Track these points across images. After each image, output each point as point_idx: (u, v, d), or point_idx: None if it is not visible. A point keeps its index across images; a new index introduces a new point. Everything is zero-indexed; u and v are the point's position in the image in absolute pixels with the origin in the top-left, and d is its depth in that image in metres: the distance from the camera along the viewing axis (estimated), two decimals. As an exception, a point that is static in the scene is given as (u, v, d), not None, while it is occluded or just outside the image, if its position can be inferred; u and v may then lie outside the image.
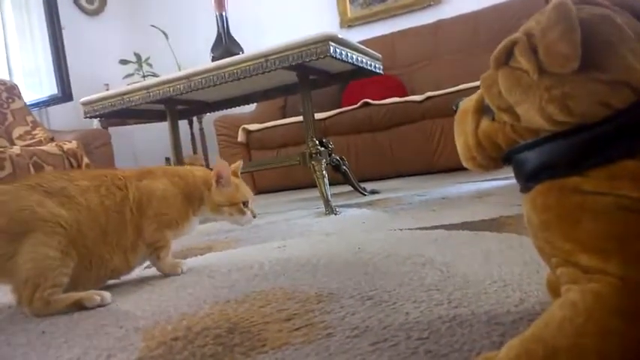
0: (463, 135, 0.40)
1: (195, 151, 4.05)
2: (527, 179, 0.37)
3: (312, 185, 2.27)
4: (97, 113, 1.95)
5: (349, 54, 1.63)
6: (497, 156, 0.39)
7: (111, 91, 1.91)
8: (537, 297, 0.58)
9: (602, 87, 0.31)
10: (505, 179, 1.91)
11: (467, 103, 0.42)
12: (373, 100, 2.82)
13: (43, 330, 0.72)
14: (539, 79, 0.33)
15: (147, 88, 1.81)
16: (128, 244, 0.95)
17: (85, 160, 2.64)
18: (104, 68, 3.95)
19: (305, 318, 0.62)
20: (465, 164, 0.42)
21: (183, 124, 3.77)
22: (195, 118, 3.99)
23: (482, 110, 0.39)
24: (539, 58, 0.33)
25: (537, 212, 0.36)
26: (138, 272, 1.09)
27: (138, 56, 3.82)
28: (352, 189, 2.20)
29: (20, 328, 0.75)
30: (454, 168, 2.66)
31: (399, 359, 0.47)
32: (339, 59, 1.57)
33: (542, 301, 0.56)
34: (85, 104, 1.96)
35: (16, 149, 2.51)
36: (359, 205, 1.77)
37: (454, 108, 0.45)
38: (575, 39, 0.31)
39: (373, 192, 2.15)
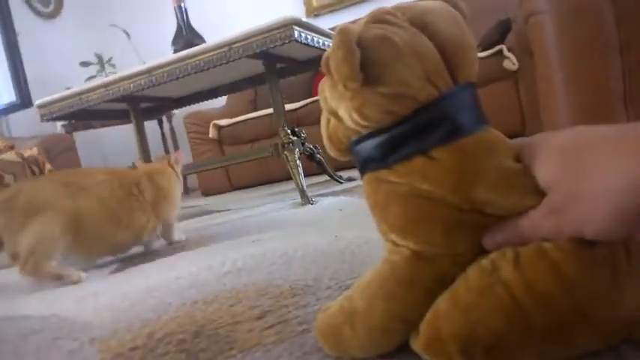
0: (322, 129, 0.45)
1: (167, 151, 3.93)
2: (360, 169, 0.42)
3: (288, 178, 2.21)
4: (55, 115, 1.85)
5: (315, 38, 1.57)
6: (344, 148, 0.43)
7: (67, 92, 1.81)
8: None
9: (385, 99, 0.36)
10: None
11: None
12: (344, 87, 2.76)
13: (-10, 349, 0.65)
14: (344, 90, 0.37)
15: (105, 85, 1.72)
16: (138, 224, 1.19)
17: (48, 166, 2.52)
18: (65, 72, 3.79)
19: (278, 314, 0.56)
20: (329, 152, 0.47)
21: (152, 125, 3.67)
22: (164, 118, 3.88)
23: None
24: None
25: (366, 197, 0.42)
26: (102, 276, 1.02)
27: (99, 57, 3.69)
28: (328, 178, 2.15)
29: (-35, 350, 0.68)
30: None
31: (381, 352, 0.42)
32: (304, 44, 1.51)
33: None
34: (41, 107, 1.85)
35: (-27, 160, 2.38)
36: (335, 194, 1.72)
37: None
38: (353, 61, 0.35)
39: (350, 179, 2.11)
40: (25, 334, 0.68)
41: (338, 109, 0.40)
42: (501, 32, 2.43)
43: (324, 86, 0.41)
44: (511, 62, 2.34)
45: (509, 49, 2.36)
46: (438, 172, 0.36)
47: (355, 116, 0.38)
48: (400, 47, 0.36)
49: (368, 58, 0.36)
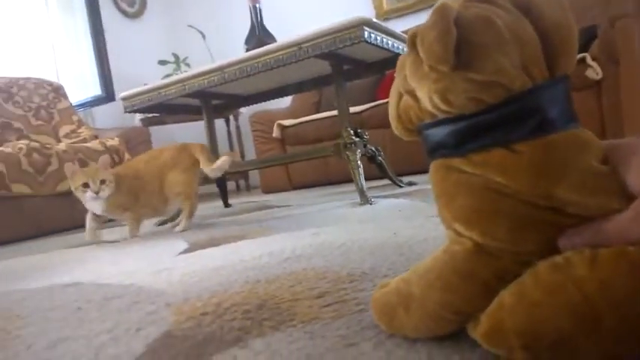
0: (390, 107, 0.44)
1: (232, 148, 4.09)
2: (428, 154, 0.41)
3: (348, 180, 2.24)
4: (136, 108, 1.99)
5: (384, 39, 1.60)
6: (412, 129, 0.42)
7: (149, 86, 1.95)
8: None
9: (474, 85, 0.34)
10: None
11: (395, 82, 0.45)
12: (410, 92, 2.76)
13: (79, 306, 0.73)
14: (429, 71, 0.35)
15: (182, 81, 1.84)
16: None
17: (127, 156, 2.71)
18: (144, 69, 4.04)
19: (336, 295, 0.60)
20: (395, 132, 0.46)
21: (220, 123, 3.83)
22: (232, 117, 4.04)
23: (400, 89, 0.42)
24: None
25: (433, 185, 0.41)
26: (172, 256, 1.10)
27: (176, 56, 3.90)
28: (389, 182, 2.16)
29: (58, 305, 0.77)
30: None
31: (434, 333, 0.44)
32: (373, 44, 1.54)
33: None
34: (124, 99, 2.00)
35: (62, 146, 2.60)
36: (395, 196, 1.73)
37: None
38: (448, 42, 0.33)
39: (410, 183, 2.11)
40: (108, 297, 0.76)
41: (417, 89, 0.38)
42: (585, 40, 2.34)
43: (405, 62, 0.39)
44: (594, 71, 2.24)
45: (593, 58, 2.26)
46: (519, 166, 0.34)
47: (436, 100, 0.36)
48: (502, 32, 0.34)
49: (465, 41, 0.34)
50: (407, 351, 0.41)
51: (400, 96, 0.42)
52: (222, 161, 1.70)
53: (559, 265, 0.34)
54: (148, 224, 1.90)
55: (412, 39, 0.36)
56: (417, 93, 0.38)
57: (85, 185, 1.52)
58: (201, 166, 1.72)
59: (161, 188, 1.70)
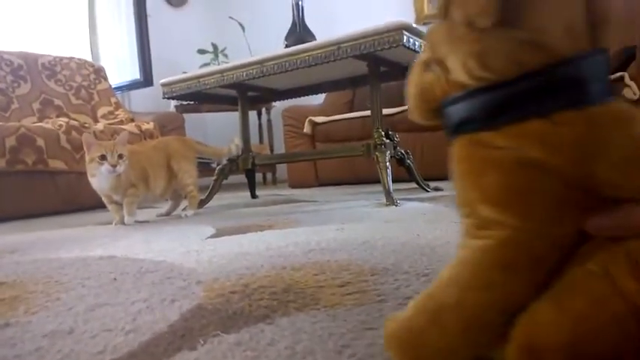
0: (410, 85, 0.41)
1: (261, 141, 4.15)
2: (452, 132, 0.37)
3: (375, 180, 2.26)
4: (175, 94, 2.06)
5: (422, 45, 1.61)
6: (436, 108, 0.39)
7: (189, 74, 2.01)
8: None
9: (517, 46, 0.32)
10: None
11: (420, 56, 0.42)
12: (443, 98, 2.76)
13: (115, 277, 0.78)
14: (466, 32, 0.32)
15: (221, 72, 1.89)
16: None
17: (160, 137, 2.78)
18: (183, 57, 4.13)
19: (358, 286, 0.62)
20: (410, 115, 0.43)
21: (252, 116, 3.89)
22: (264, 110, 4.10)
23: (427, 63, 0.39)
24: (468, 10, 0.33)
25: (456, 164, 0.37)
26: (200, 239, 1.14)
27: (215, 47, 3.97)
28: (415, 186, 2.17)
29: (94, 274, 0.82)
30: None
31: (451, 327, 0.46)
32: (411, 49, 1.55)
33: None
34: (164, 85, 2.07)
35: (99, 126, 2.70)
36: (421, 200, 1.74)
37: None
38: None
39: (437, 189, 2.11)
40: (142, 272, 0.81)
41: (447, 56, 0.35)
42: (624, 60, 2.31)
43: (433, 30, 0.37)
44: (632, 91, 2.21)
45: (631, 78, 2.23)
46: (560, 138, 0.31)
47: (472, 64, 0.33)
48: None
49: None
50: (424, 340, 0.43)
51: (422, 71, 0.39)
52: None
53: (596, 273, 0.31)
54: (147, 215, 1.95)
55: (445, 3, 0.34)
56: (448, 62, 0.35)
57: (102, 158, 1.51)
58: (208, 154, 2.08)
59: (168, 175, 1.80)
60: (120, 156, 1.55)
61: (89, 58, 3.72)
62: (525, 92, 0.32)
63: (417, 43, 1.57)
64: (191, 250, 1.00)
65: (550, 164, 0.32)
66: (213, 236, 1.21)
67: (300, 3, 1.94)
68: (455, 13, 0.33)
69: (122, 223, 1.64)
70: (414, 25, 1.55)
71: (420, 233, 1.01)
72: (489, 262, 0.34)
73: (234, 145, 2.12)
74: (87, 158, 1.57)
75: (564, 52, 0.32)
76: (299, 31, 1.93)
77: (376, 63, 1.77)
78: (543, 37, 0.31)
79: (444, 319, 0.35)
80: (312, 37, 1.93)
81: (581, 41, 0.32)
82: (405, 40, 1.48)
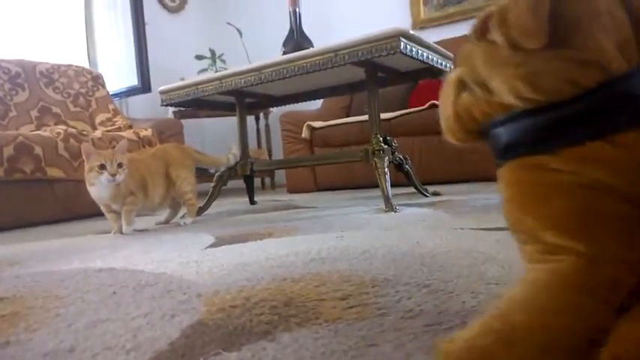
0: (445, 106, 0.40)
1: (259, 146, 4.15)
2: (500, 155, 0.36)
3: (373, 185, 2.26)
4: (173, 101, 2.06)
5: (420, 51, 1.62)
6: (474, 129, 0.38)
7: (187, 81, 2.00)
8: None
9: (569, 65, 0.31)
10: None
11: (451, 76, 0.41)
12: (441, 102, 2.76)
13: (114, 291, 0.78)
14: (510, 54, 0.32)
15: (220, 78, 1.89)
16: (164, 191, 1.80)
17: (159, 145, 2.78)
18: (181, 63, 4.14)
19: (359, 299, 0.62)
20: (445, 137, 0.42)
21: (250, 120, 3.90)
22: (261, 115, 4.10)
23: (462, 83, 0.38)
24: (510, 33, 0.32)
25: (507, 188, 0.36)
26: (200, 249, 1.14)
27: (212, 52, 3.98)
28: (414, 190, 2.17)
29: (93, 288, 0.81)
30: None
31: (453, 342, 0.46)
32: (409, 56, 1.56)
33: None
34: (162, 93, 2.07)
35: (97, 133, 2.69)
36: (420, 205, 1.74)
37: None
38: (541, 13, 0.30)
39: (435, 193, 2.11)
40: (142, 285, 0.80)
41: (491, 78, 0.34)
42: None
43: (471, 52, 0.36)
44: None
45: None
46: (623, 159, 0.30)
47: (521, 86, 0.32)
48: (598, 3, 0.31)
49: (558, 12, 0.30)
50: (426, 354, 0.43)
51: (458, 92, 0.38)
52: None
53: None
54: (146, 223, 1.95)
55: (484, 23, 0.33)
56: (491, 83, 0.34)
57: (102, 167, 1.51)
58: (205, 163, 2.06)
59: (166, 183, 1.80)
60: (119, 165, 1.54)
61: (86, 65, 3.72)
62: (582, 113, 0.31)
63: (414, 49, 1.58)
64: (191, 260, 1.00)
65: (615, 188, 0.31)
66: (212, 245, 1.21)
67: (297, 10, 1.94)
68: (496, 35, 0.33)
69: (120, 232, 1.63)
70: (411, 32, 1.56)
71: (419, 241, 1.01)
72: (567, 285, 0.32)
73: (231, 155, 2.12)
74: (86, 167, 1.56)
75: (617, 69, 0.31)
76: (296, 38, 1.93)
77: (374, 69, 1.77)
78: (598, 55, 0.31)
79: (519, 341, 0.33)
80: (310, 44, 1.93)
81: (634, 59, 0.32)
82: (402, 47, 1.49)
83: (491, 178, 2.55)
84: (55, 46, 3.70)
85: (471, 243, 0.94)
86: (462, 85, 0.38)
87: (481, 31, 0.34)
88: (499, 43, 0.33)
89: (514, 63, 0.32)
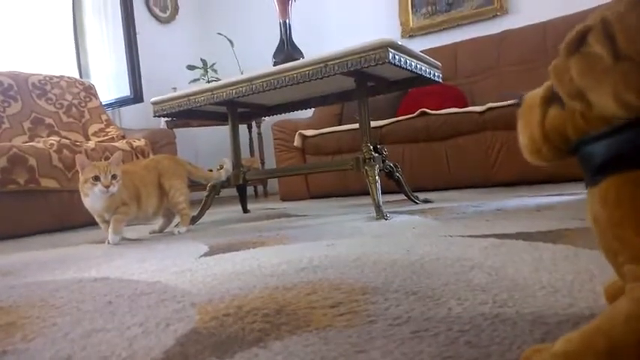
0: (528, 127, 0.39)
1: (252, 154, 4.17)
2: (596, 172, 0.35)
3: (365, 193, 2.29)
4: (165, 112, 2.07)
5: (408, 61, 1.65)
6: (564, 147, 0.37)
7: (179, 92, 2.03)
8: (588, 303, 0.57)
9: None
10: (570, 194, 1.85)
11: (533, 96, 0.41)
12: (432, 110, 2.80)
13: (110, 300, 0.79)
14: (615, 64, 0.31)
15: (212, 90, 1.91)
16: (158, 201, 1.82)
17: (152, 156, 2.79)
18: (173, 73, 4.16)
19: (349, 306, 0.64)
20: (528, 158, 0.41)
21: (242, 129, 3.92)
22: (254, 123, 4.12)
23: (550, 100, 0.38)
24: (616, 44, 0.31)
25: (608, 207, 0.34)
26: (193, 258, 1.15)
27: (204, 62, 4.00)
28: (405, 198, 2.20)
29: (89, 297, 0.83)
30: (513, 182, 2.60)
31: (438, 347, 0.48)
32: (397, 66, 1.59)
33: (593, 307, 0.55)
34: (154, 104, 2.09)
35: (91, 144, 2.70)
36: (410, 213, 1.77)
37: (518, 102, 0.43)
38: None
39: (426, 201, 2.14)
40: (137, 294, 0.82)
41: (592, 90, 0.33)
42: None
43: (565, 65, 0.34)
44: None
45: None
46: None
47: (628, 97, 0.31)
48: None
49: None
50: (412, 361, 0.45)
51: (545, 111, 0.37)
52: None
53: None
54: (140, 233, 1.96)
55: (580, 37, 0.32)
56: (592, 95, 0.33)
57: (96, 179, 1.53)
58: (197, 177, 2.04)
59: (160, 193, 1.81)
60: (113, 176, 1.56)
61: (78, 76, 3.73)
62: None
63: (402, 59, 1.61)
64: (185, 269, 1.01)
65: None
66: (206, 254, 1.22)
67: (287, 22, 1.97)
68: (598, 47, 0.31)
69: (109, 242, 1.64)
70: (399, 42, 1.59)
71: (409, 249, 1.03)
72: None
73: (223, 170, 2.13)
74: (80, 179, 1.58)
75: None
76: (287, 49, 1.95)
77: (363, 78, 1.80)
78: None
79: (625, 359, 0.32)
80: (300, 55, 1.96)
81: None
82: (390, 57, 1.52)
83: (473, 185, 2.56)
84: (46, 57, 3.70)
85: (459, 250, 0.97)
86: (549, 103, 0.38)
87: (577, 45, 0.33)
88: (602, 54, 0.31)
89: (621, 72, 0.31)
